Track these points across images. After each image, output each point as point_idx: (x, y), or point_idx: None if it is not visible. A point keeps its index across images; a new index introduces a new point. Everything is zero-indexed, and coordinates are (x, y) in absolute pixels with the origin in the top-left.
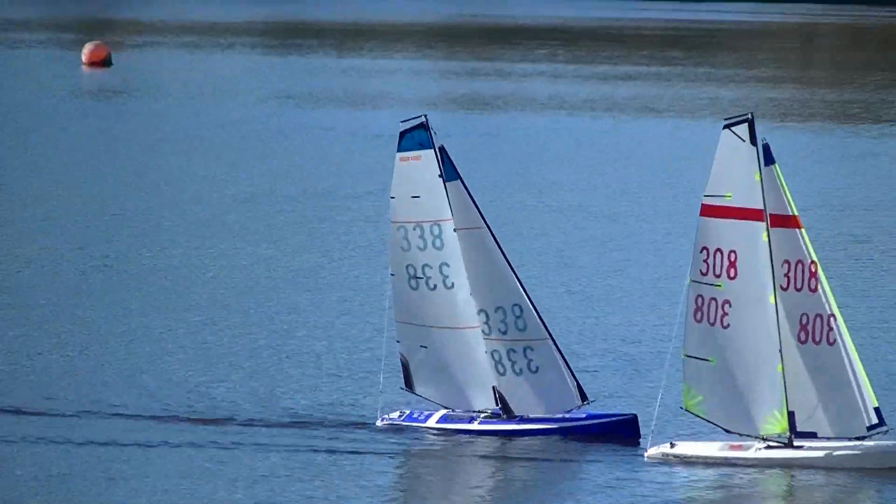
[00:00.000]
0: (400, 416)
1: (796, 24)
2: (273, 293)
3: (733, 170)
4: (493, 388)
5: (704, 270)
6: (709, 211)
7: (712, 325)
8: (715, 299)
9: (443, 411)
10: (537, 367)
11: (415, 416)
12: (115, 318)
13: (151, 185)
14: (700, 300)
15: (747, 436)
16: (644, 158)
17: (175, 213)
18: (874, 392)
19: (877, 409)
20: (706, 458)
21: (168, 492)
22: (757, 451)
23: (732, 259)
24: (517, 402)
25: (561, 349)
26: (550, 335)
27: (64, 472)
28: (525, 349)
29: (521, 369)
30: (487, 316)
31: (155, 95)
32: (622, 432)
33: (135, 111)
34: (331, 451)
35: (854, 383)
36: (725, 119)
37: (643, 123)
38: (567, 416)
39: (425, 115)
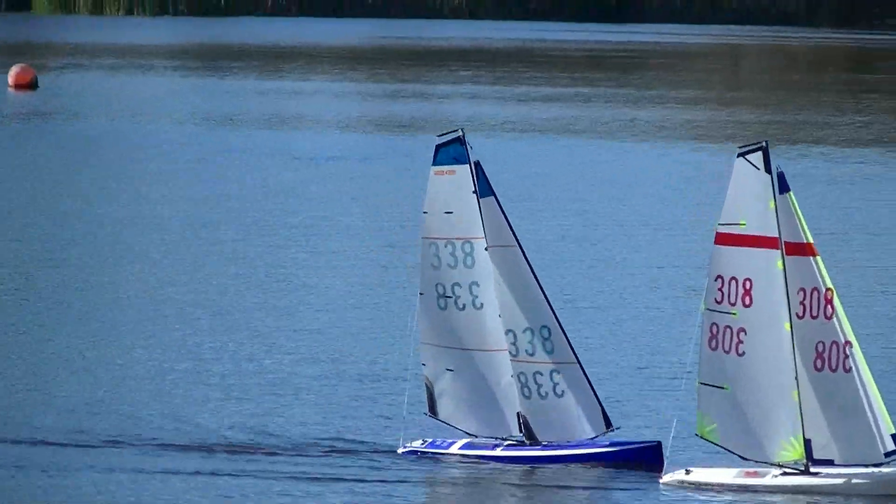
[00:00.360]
0: (422, 444)
1: (722, 46)
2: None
3: (748, 198)
4: (518, 413)
5: (719, 299)
6: (724, 239)
7: (727, 352)
8: (730, 327)
9: (466, 439)
10: (563, 391)
11: (437, 443)
12: (30, 343)
13: (77, 207)
14: (715, 328)
15: (763, 462)
16: (556, 180)
17: (96, 235)
18: (891, 419)
19: (894, 436)
20: (722, 484)
21: None
22: (773, 477)
23: (748, 287)
24: (541, 427)
25: (587, 374)
26: (578, 359)
27: None
28: (552, 372)
29: (546, 393)
30: (515, 336)
31: (82, 117)
32: (646, 459)
33: (61, 133)
34: (354, 480)
35: (870, 410)
36: (740, 147)
37: (563, 144)
38: (590, 442)
39: (461, 129)
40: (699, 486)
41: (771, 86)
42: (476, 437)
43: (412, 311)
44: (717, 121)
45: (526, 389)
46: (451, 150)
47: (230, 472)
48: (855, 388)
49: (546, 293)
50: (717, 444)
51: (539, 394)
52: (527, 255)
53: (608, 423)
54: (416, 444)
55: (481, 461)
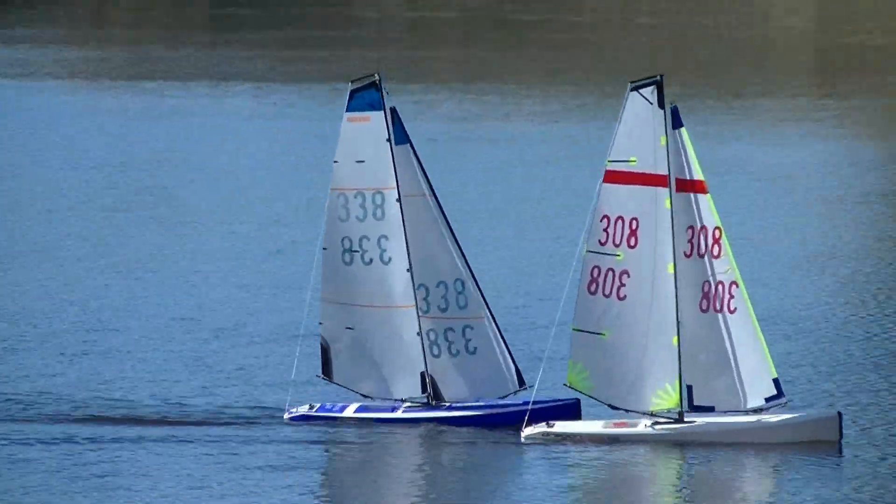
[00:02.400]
0: (310, 409)
1: None
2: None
3: (639, 133)
4: (422, 373)
5: (603, 240)
6: (612, 177)
7: (607, 296)
8: (612, 270)
9: (358, 402)
10: (475, 348)
11: (328, 407)
12: None
13: None
14: (596, 271)
15: (635, 412)
16: None
17: None
18: (773, 362)
19: (775, 381)
20: (586, 435)
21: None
22: (645, 427)
23: (633, 227)
24: (450, 386)
25: (500, 329)
26: (492, 314)
27: None
28: (465, 328)
29: (458, 350)
30: (427, 291)
31: None
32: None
33: None
34: (238, 448)
35: (753, 354)
36: (632, 81)
37: None
38: (494, 402)
39: (378, 73)
40: (562, 439)
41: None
42: (372, 399)
43: (311, 268)
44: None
45: (435, 348)
46: (366, 96)
47: (112, 440)
48: (739, 330)
49: (461, 245)
50: (588, 395)
51: (450, 351)
52: (441, 206)
53: (521, 381)
54: (303, 410)
55: (373, 424)
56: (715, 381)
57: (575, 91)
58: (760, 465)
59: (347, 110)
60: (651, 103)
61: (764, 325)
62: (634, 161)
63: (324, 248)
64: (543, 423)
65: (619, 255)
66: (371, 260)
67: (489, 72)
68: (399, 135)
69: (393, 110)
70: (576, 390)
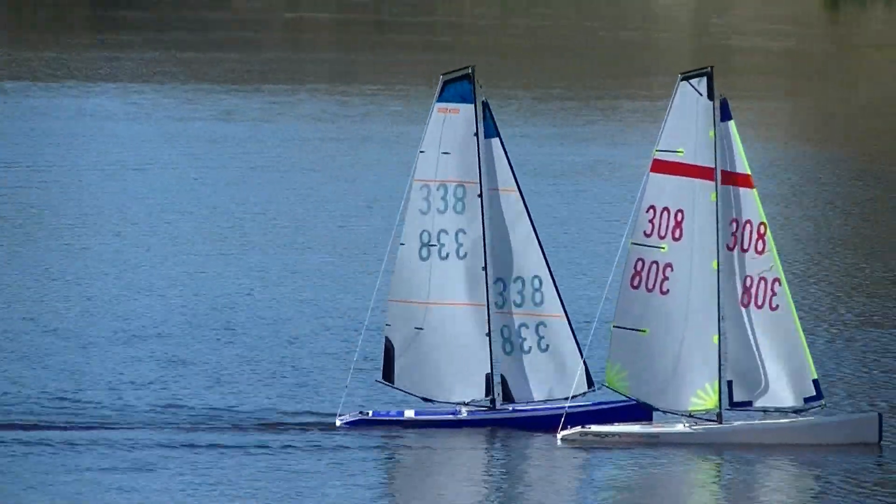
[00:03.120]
0: (362, 415)
1: None
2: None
3: (688, 125)
4: (487, 375)
5: (649, 231)
6: (660, 167)
7: (650, 290)
8: (656, 263)
9: (412, 409)
10: (548, 346)
11: (382, 413)
12: None
13: None
14: (640, 264)
15: (673, 412)
16: None
17: None
18: (814, 363)
19: (815, 382)
20: (623, 434)
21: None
22: (684, 427)
23: (679, 219)
24: (520, 384)
25: (574, 330)
26: (566, 312)
27: None
28: (538, 325)
29: (529, 347)
30: (504, 286)
31: None
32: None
33: None
34: (289, 454)
35: (794, 352)
36: (682, 73)
37: None
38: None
39: (472, 67)
40: (600, 439)
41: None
42: (433, 401)
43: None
44: None
45: (508, 344)
46: (458, 88)
47: (160, 444)
48: (780, 327)
49: (541, 242)
50: (626, 395)
51: (522, 348)
52: (526, 202)
53: (590, 382)
54: (352, 417)
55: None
56: (755, 379)
57: (399, 95)
58: (799, 466)
59: (438, 101)
60: (700, 94)
61: (807, 325)
62: (682, 152)
63: (401, 244)
64: (580, 425)
65: (663, 248)
66: (447, 255)
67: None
68: (489, 128)
69: (485, 104)
70: (614, 390)
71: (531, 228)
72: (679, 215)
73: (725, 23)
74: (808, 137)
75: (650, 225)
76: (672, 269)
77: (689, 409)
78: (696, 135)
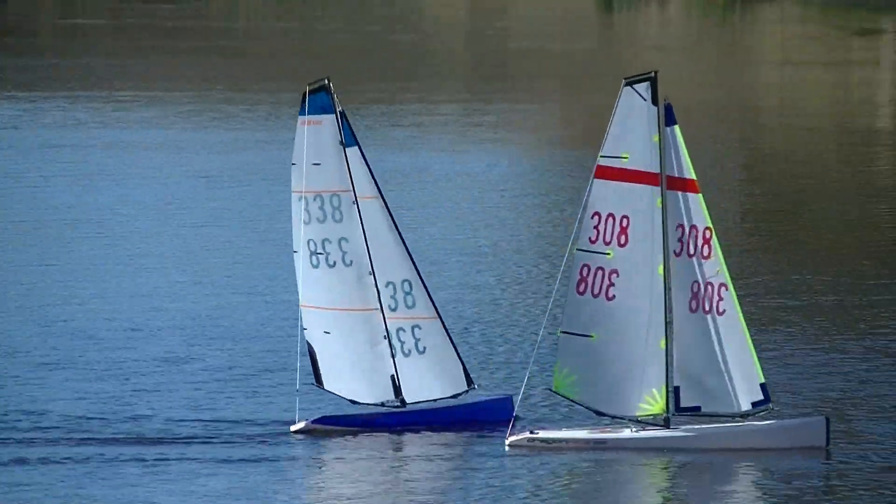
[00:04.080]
0: (312, 422)
1: None
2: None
3: (632, 129)
4: (392, 377)
5: (594, 238)
6: (604, 173)
7: (596, 296)
8: (602, 269)
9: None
10: (424, 348)
11: (329, 418)
12: None
13: None
14: (585, 270)
15: (621, 418)
16: None
17: None
18: (761, 368)
19: (762, 386)
20: (571, 440)
21: None
22: (631, 432)
23: (624, 225)
24: (408, 385)
25: (448, 330)
26: (439, 314)
27: None
28: (413, 328)
29: (409, 350)
30: (377, 291)
31: None
32: (497, 415)
33: None
34: (244, 462)
35: (742, 357)
36: (626, 77)
37: None
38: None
39: (328, 78)
40: (547, 445)
41: None
42: (358, 403)
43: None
44: None
45: (391, 348)
46: (318, 99)
47: (116, 460)
48: (727, 332)
49: (407, 245)
50: (574, 400)
51: (403, 351)
52: (389, 207)
53: (469, 381)
54: (302, 425)
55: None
56: (703, 383)
57: (188, 98)
58: (746, 470)
59: (301, 114)
60: (645, 99)
61: (754, 329)
62: (627, 157)
63: (294, 252)
64: (528, 430)
65: (609, 254)
66: (334, 263)
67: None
68: (347, 138)
69: (342, 113)
70: (562, 396)
71: (397, 234)
72: (624, 221)
73: (502, 26)
74: (578, 140)
75: (595, 231)
76: (618, 275)
77: (637, 414)
78: (640, 140)
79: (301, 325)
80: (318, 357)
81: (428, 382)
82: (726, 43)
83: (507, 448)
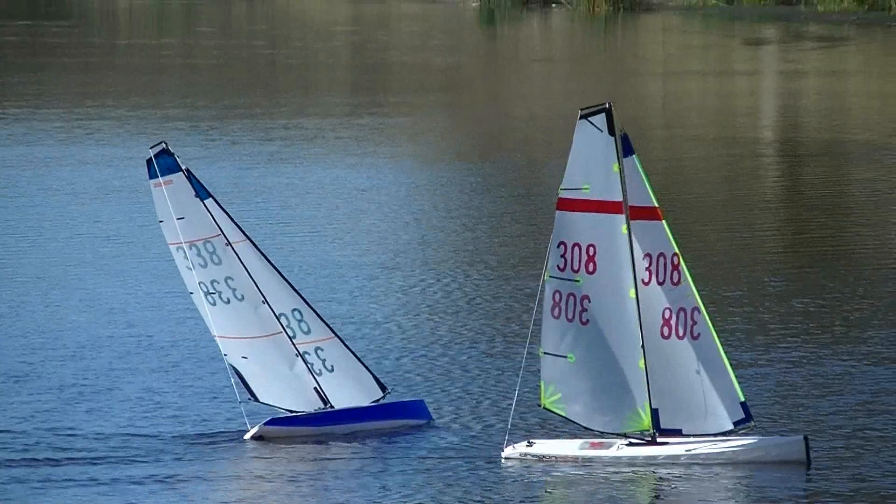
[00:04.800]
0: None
1: None
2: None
3: (591, 161)
4: (315, 388)
5: (562, 266)
6: (566, 205)
7: (570, 321)
8: (573, 294)
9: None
10: (332, 367)
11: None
12: None
13: None
14: (558, 296)
15: (609, 433)
16: None
17: None
18: (740, 387)
19: (743, 404)
20: (566, 456)
21: None
22: (619, 448)
23: (591, 253)
24: (332, 396)
25: (349, 345)
26: (335, 333)
27: None
28: (316, 350)
29: (320, 370)
30: (276, 317)
31: None
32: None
33: None
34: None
35: (718, 378)
36: (582, 109)
37: None
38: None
39: (164, 142)
40: (541, 459)
41: None
42: (295, 412)
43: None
44: None
45: (307, 364)
46: (162, 162)
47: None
48: (703, 355)
49: (285, 277)
50: (562, 416)
51: (315, 371)
52: (258, 246)
53: (383, 388)
54: (255, 430)
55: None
56: (681, 407)
57: (55, 115)
58: (735, 484)
59: (152, 177)
60: (601, 130)
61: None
62: (588, 188)
63: (191, 293)
64: (524, 443)
65: (578, 281)
66: (228, 300)
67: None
68: (201, 192)
69: (188, 170)
70: (551, 412)
71: (273, 269)
72: (591, 249)
73: (382, 38)
74: (467, 152)
75: (563, 259)
76: (589, 301)
77: (624, 430)
78: (600, 170)
79: (223, 353)
80: (246, 377)
81: (349, 392)
82: (609, 54)
83: (502, 460)
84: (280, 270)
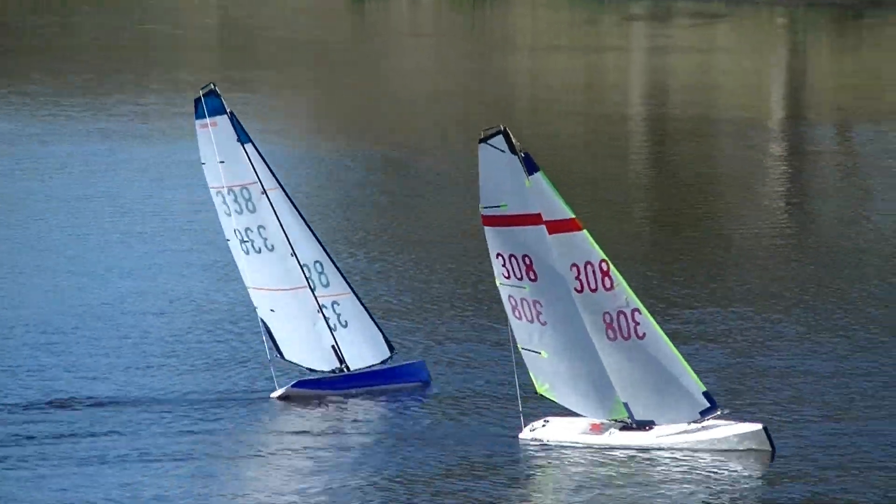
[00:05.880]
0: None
1: None
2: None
3: (501, 181)
4: (332, 346)
5: (507, 274)
6: (491, 221)
7: (531, 322)
8: (526, 300)
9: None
10: (346, 322)
11: (306, 381)
12: None
13: None
14: (513, 300)
15: (601, 419)
16: None
17: None
18: (700, 377)
19: (706, 394)
20: (577, 442)
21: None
22: (612, 433)
23: (528, 263)
24: (347, 354)
25: (364, 303)
26: (353, 289)
27: None
28: (333, 304)
29: (335, 325)
30: (302, 270)
31: None
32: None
33: None
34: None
35: (675, 372)
36: (482, 132)
37: None
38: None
39: (213, 83)
40: (556, 441)
41: None
42: (315, 371)
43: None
44: None
45: (327, 320)
46: (209, 103)
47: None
48: (653, 352)
49: (312, 229)
50: (558, 403)
51: (329, 325)
52: (289, 195)
53: (391, 347)
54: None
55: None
56: (647, 400)
57: None
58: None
59: (199, 118)
60: (503, 151)
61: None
62: (505, 206)
63: (227, 241)
64: (540, 422)
65: (525, 287)
66: (260, 249)
67: None
68: (242, 135)
69: (231, 114)
70: (547, 399)
71: (301, 219)
72: (527, 259)
73: (249, 13)
74: (333, 131)
75: (505, 269)
76: (541, 305)
77: (611, 417)
78: (512, 187)
79: (254, 305)
80: (274, 332)
81: (360, 351)
82: (479, 31)
83: (520, 441)
84: (308, 222)
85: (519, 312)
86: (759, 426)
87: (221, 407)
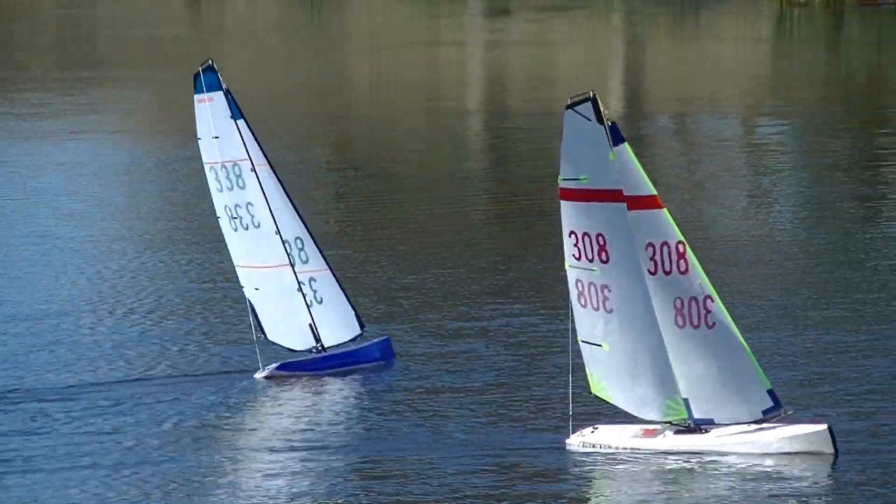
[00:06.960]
0: (275, 367)
1: None
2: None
3: (584, 152)
4: (309, 325)
5: (577, 255)
6: (568, 195)
7: (596, 309)
8: (594, 284)
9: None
10: (322, 298)
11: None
12: None
13: None
14: (580, 285)
15: (652, 422)
16: None
17: None
18: (767, 374)
19: (770, 392)
20: (625, 448)
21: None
22: (664, 437)
23: (602, 243)
24: (322, 332)
25: (339, 281)
26: (330, 266)
27: None
28: (310, 280)
29: (311, 301)
30: (285, 248)
31: None
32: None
33: None
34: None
35: (741, 367)
36: (570, 97)
37: None
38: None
39: (211, 59)
40: (604, 448)
41: None
42: (295, 351)
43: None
44: None
45: (304, 298)
46: (207, 78)
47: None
48: (722, 344)
49: (296, 205)
50: (612, 403)
51: (306, 301)
52: (275, 171)
53: (361, 325)
54: (266, 372)
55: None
56: (708, 397)
57: None
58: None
59: (197, 92)
60: (589, 119)
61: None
62: (585, 178)
63: (218, 217)
64: (589, 429)
65: (594, 270)
66: (247, 226)
67: None
68: (235, 111)
69: (227, 91)
70: (601, 399)
71: (286, 196)
72: (601, 239)
73: (90, 15)
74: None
75: (576, 249)
76: (610, 290)
77: (664, 419)
78: (594, 160)
79: (241, 284)
80: (258, 312)
81: (333, 328)
82: (316, 30)
83: (567, 447)
84: (292, 199)
85: (584, 299)
86: (823, 426)
87: (206, 386)
